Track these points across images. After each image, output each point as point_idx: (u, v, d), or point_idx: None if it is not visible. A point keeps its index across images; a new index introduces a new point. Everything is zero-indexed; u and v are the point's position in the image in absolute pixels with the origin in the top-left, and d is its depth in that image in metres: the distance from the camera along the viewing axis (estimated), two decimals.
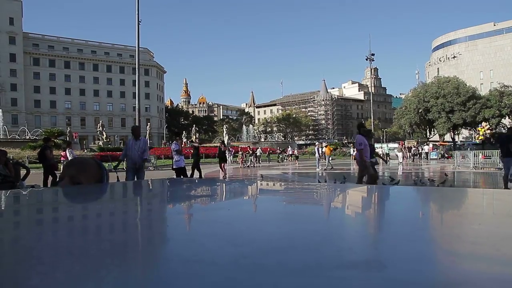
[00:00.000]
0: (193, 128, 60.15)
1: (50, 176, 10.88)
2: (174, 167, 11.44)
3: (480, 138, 46.46)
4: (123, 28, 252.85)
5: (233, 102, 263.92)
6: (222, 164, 18.51)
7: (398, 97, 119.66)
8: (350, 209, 1.15)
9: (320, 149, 23.32)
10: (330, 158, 23.15)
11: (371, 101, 57.13)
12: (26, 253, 0.58)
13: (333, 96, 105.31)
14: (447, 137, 62.60)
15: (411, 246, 0.60)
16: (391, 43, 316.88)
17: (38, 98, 74.94)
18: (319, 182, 7.80)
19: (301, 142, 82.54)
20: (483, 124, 51.88)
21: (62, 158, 17.60)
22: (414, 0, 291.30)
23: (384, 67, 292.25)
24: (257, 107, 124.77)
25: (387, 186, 4.44)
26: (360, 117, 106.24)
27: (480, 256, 0.55)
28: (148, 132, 49.46)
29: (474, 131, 56.31)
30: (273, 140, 62.46)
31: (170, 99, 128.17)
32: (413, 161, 33.84)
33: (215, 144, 49.28)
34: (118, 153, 29.54)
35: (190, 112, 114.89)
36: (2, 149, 7.16)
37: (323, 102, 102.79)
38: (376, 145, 41.63)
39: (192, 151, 15.61)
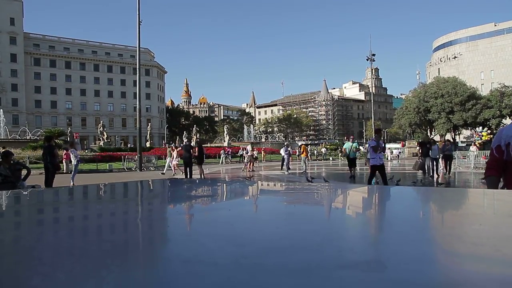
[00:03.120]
0: (194, 129, 60.17)
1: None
2: (370, 164, 10.35)
3: (481, 141, 45.52)
4: (124, 28, 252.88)
5: (233, 102, 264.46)
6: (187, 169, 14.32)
7: (398, 97, 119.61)
8: (350, 209, 1.15)
9: (289, 149, 19.81)
10: (306, 160, 20.36)
11: (372, 101, 57.13)
12: (27, 253, 0.58)
13: (334, 97, 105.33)
14: (447, 138, 62.51)
15: (411, 246, 0.60)
16: (392, 43, 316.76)
17: (39, 98, 75.03)
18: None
19: (302, 142, 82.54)
20: (484, 130, 51.15)
21: (64, 158, 17.65)
22: (415, 0, 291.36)
23: (385, 67, 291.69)
24: (258, 107, 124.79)
25: (387, 186, 4.44)
26: (361, 117, 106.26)
27: (481, 256, 0.55)
28: (149, 132, 49.47)
29: (475, 132, 56.16)
30: (273, 140, 62.46)
31: (171, 99, 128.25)
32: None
33: (216, 144, 49.26)
34: (119, 153, 29.63)
35: (191, 112, 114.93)
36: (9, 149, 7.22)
37: (324, 103, 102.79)
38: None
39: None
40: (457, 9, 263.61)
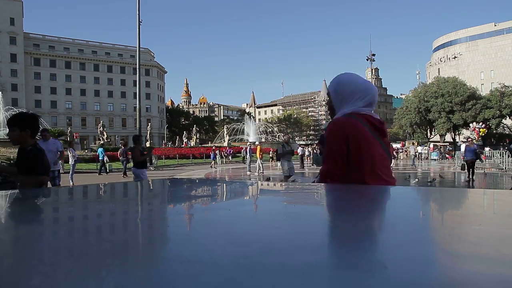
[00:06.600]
0: (194, 128, 60.15)
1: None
2: None
3: (479, 137, 45.98)
4: (124, 28, 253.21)
5: (233, 102, 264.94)
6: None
7: (398, 97, 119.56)
8: (351, 209, 1.15)
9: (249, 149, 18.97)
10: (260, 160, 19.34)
11: None
12: (27, 253, 0.58)
13: None
14: (448, 138, 62.52)
15: (411, 246, 0.60)
16: (392, 43, 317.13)
17: (39, 98, 75.05)
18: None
19: (302, 142, 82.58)
20: (481, 124, 51.30)
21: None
22: (415, 0, 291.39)
23: (385, 67, 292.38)
24: (258, 107, 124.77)
25: (387, 186, 4.43)
26: None
27: (480, 257, 0.55)
28: (149, 132, 49.44)
29: (474, 128, 56.14)
30: (273, 140, 62.41)
31: (171, 99, 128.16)
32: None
33: (216, 144, 49.22)
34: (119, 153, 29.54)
35: (191, 112, 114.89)
36: None
37: (324, 102, 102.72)
38: None
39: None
40: (457, 9, 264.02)
